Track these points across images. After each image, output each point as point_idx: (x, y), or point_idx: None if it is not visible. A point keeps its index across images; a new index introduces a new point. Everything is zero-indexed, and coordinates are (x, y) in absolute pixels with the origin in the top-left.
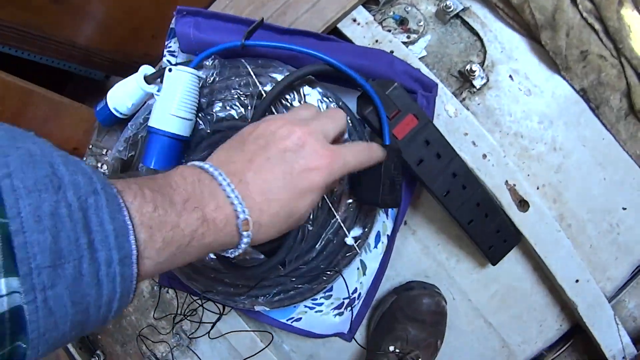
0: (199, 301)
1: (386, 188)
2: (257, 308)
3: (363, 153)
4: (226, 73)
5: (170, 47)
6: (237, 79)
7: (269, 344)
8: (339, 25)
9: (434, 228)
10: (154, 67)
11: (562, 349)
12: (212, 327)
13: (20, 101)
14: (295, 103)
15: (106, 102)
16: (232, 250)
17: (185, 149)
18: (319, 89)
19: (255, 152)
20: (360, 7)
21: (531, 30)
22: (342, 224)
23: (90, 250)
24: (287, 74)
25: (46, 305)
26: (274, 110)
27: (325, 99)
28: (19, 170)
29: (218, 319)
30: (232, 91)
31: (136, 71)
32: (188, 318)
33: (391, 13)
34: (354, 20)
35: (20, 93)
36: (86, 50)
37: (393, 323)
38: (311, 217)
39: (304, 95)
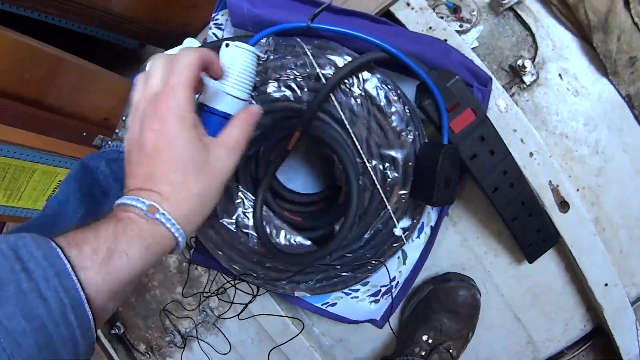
0: (232, 281)
1: (441, 188)
2: (297, 294)
3: (246, 130)
4: (281, 51)
5: (217, 19)
6: (292, 59)
7: (301, 331)
8: (392, 9)
9: (474, 221)
10: (191, 37)
11: (582, 349)
12: (244, 309)
13: (49, 69)
14: (354, 88)
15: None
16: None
17: None
18: (378, 75)
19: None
20: None
21: (584, 30)
22: (392, 215)
23: (25, 273)
24: (349, 60)
25: (0, 323)
26: (332, 97)
27: (384, 85)
28: None
29: (251, 301)
30: (288, 71)
31: (174, 41)
32: (218, 296)
33: (444, 0)
34: (408, 4)
35: (49, 60)
36: (120, 18)
37: (429, 313)
38: (364, 205)
39: (364, 81)
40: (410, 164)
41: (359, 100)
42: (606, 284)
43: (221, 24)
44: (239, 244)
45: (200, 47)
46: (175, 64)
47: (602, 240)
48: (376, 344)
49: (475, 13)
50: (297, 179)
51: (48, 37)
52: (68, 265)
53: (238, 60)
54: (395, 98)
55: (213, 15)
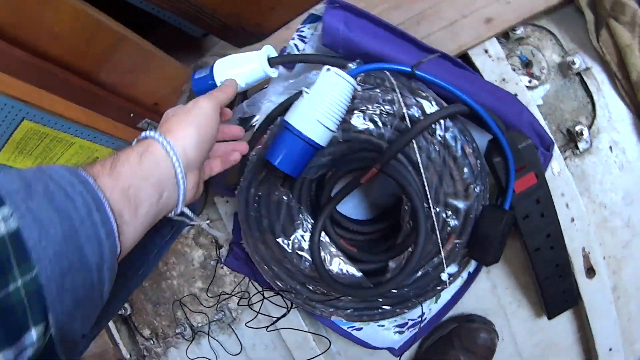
0: (262, 293)
1: (496, 250)
2: (333, 318)
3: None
4: (370, 82)
5: (302, 31)
6: (381, 93)
7: (326, 350)
8: (470, 53)
9: (507, 272)
10: (260, 39)
11: None
12: (275, 322)
13: (109, 44)
14: (435, 135)
15: (211, 74)
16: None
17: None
18: (459, 125)
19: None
20: (494, 40)
21: (639, 105)
22: (444, 261)
23: (51, 180)
24: (436, 109)
25: (30, 211)
26: (413, 142)
27: (462, 137)
28: None
29: (284, 315)
30: (375, 105)
31: (241, 39)
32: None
33: (519, 52)
34: (486, 52)
35: (112, 36)
36: (198, 8)
37: (447, 349)
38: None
39: (445, 129)
40: (471, 216)
41: (437, 147)
42: (610, 349)
43: (305, 37)
44: (289, 264)
45: (281, 57)
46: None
47: (615, 307)
48: None
49: (545, 71)
50: (349, 202)
51: (110, 7)
52: (90, 178)
53: (335, 89)
54: (470, 151)
55: (299, 26)
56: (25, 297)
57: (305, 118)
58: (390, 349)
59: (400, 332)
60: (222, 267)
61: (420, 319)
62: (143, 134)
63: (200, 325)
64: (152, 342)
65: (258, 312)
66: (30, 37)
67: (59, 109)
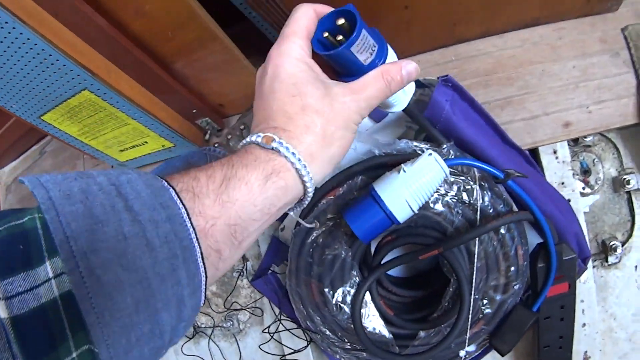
0: (286, 324)
1: (513, 344)
2: None
3: (381, 93)
4: (458, 168)
5: None
6: (463, 181)
7: None
8: (540, 149)
9: (510, 356)
10: None
11: None
12: (292, 353)
13: (198, 38)
14: (502, 230)
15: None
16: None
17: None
18: (519, 228)
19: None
20: (565, 143)
21: None
22: (467, 341)
23: (129, 213)
24: (508, 212)
25: (92, 273)
26: (477, 240)
27: (518, 238)
28: (52, 179)
29: (302, 349)
30: (455, 191)
31: None
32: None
33: (582, 158)
34: (555, 152)
35: (203, 31)
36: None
37: None
38: (455, 332)
39: (508, 229)
40: (504, 308)
41: (495, 244)
42: None
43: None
44: (327, 312)
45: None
46: (290, 18)
47: None
48: None
49: (599, 182)
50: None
51: None
52: (183, 210)
53: (431, 175)
54: (522, 253)
55: None
56: None
57: (395, 195)
58: None
59: None
60: (242, 280)
61: None
62: (273, 144)
63: (203, 326)
64: None
65: (272, 336)
66: (117, 7)
67: (124, 88)
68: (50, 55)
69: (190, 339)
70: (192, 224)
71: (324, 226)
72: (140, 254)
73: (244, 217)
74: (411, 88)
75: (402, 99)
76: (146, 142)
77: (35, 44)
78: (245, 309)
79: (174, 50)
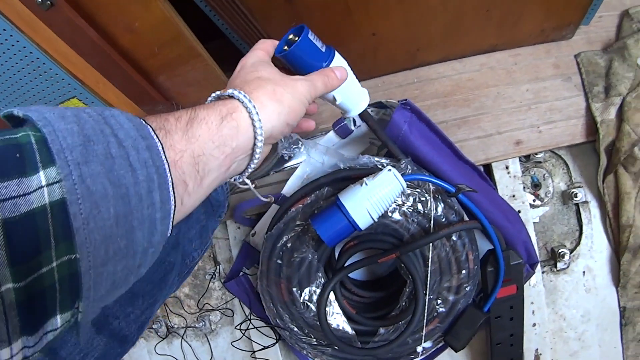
0: (255, 323)
1: (466, 341)
2: (315, 359)
3: (325, 87)
4: (415, 182)
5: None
6: (418, 193)
7: None
8: (494, 165)
9: (467, 355)
10: None
11: None
12: (263, 349)
13: (181, 55)
14: (453, 237)
15: None
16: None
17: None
18: (470, 236)
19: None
20: (517, 159)
21: (619, 246)
22: (423, 337)
23: (115, 138)
24: (459, 221)
25: (83, 181)
26: (431, 245)
27: (469, 244)
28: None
29: (270, 346)
30: (410, 202)
31: None
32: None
33: (532, 173)
34: (507, 168)
35: (187, 49)
36: (255, 27)
37: None
38: (410, 328)
39: (459, 236)
40: (457, 308)
41: (447, 249)
42: None
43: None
44: (294, 310)
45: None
46: (254, 45)
47: None
48: None
49: (549, 195)
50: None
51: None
52: (158, 143)
53: (389, 186)
54: (472, 258)
55: (371, 104)
56: (58, 282)
57: (358, 205)
58: None
59: None
60: (213, 283)
61: None
62: (229, 90)
63: (176, 327)
64: None
65: (243, 334)
66: (109, 22)
67: (110, 98)
68: (44, 63)
69: (164, 339)
70: (165, 154)
71: (292, 232)
72: (124, 173)
73: (205, 152)
74: (363, 96)
75: (354, 105)
76: None
77: (31, 52)
78: (217, 310)
79: (159, 64)
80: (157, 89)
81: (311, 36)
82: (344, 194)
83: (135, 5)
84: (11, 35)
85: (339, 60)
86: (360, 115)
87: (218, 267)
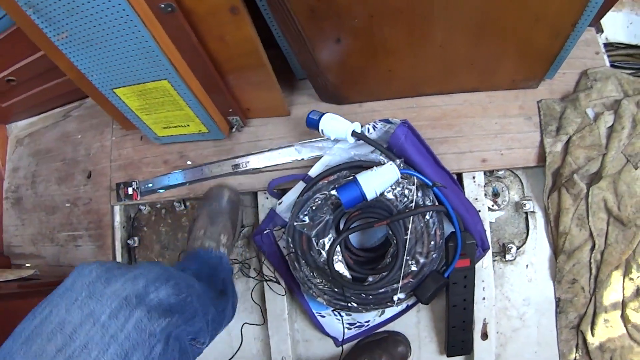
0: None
1: (431, 297)
2: (318, 299)
3: None
4: (404, 176)
5: (376, 123)
6: (406, 183)
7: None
8: (464, 174)
9: (430, 315)
10: (339, 103)
11: None
12: (278, 282)
13: (251, 64)
14: (427, 216)
15: (319, 119)
16: None
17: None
18: (437, 216)
19: None
20: (482, 172)
21: (557, 249)
22: (399, 289)
23: None
24: (432, 205)
25: None
26: (410, 220)
27: (438, 223)
28: None
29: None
30: (400, 188)
31: (324, 97)
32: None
33: (494, 185)
34: (473, 178)
35: (257, 60)
36: (317, 66)
37: (375, 348)
38: (390, 275)
39: (430, 215)
40: (425, 269)
41: (422, 224)
42: None
43: (376, 127)
44: (309, 256)
45: (360, 134)
46: None
47: None
48: (326, 356)
49: (505, 203)
50: (356, 236)
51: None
52: None
53: (390, 174)
54: (439, 233)
55: (376, 120)
56: None
57: (368, 183)
58: (335, 339)
59: (349, 328)
60: (236, 240)
61: (365, 323)
62: None
63: None
64: None
65: (262, 279)
66: (207, 31)
67: (191, 84)
68: (153, 50)
69: None
70: None
71: (317, 199)
72: None
73: None
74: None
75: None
76: (188, 125)
77: (146, 41)
78: (236, 263)
79: (232, 67)
80: (225, 84)
81: (311, 115)
82: (359, 175)
83: (230, 24)
84: (135, 25)
85: (325, 118)
86: (355, 135)
87: (242, 229)
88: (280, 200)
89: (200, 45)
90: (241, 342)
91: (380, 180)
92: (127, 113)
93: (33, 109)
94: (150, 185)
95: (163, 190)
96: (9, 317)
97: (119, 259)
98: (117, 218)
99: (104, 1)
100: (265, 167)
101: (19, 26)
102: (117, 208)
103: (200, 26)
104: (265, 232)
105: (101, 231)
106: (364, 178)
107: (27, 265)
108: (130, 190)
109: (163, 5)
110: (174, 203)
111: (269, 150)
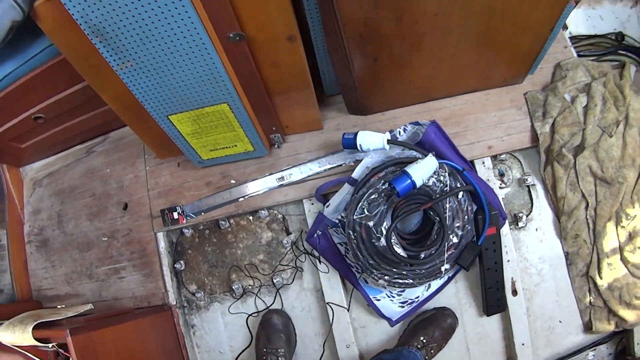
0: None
1: (471, 263)
2: (379, 281)
3: None
4: (443, 168)
5: (407, 126)
6: (441, 171)
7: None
8: (475, 161)
9: (466, 284)
10: (364, 114)
11: None
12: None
13: (296, 85)
14: (457, 198)
15: (355, 138)
16: None
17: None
18: (467, 196)
19: None
20: (489, 157)
21: (558, 211)
22: (445, 260)
23: None
24: (459, 186)
25: None
26: (448, 198)
27: (468, 201)
28: None
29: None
30: (437, 175)
31: (354, 109)
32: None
33: (499, 167)
34: (483, 163)
35: (304, 82)
36: (354, 82)
37: (428, 325)
38: (441, 248)
39: (463, 195)
40: (463, 240)
41: (455, 203)
42: (523, 344)
43: (407, 129)
44: (369, 242)
45: (395, 140)
46: None
47: (527, 319)
48: (383, 338)
49: (509, 181)
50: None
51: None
52: None
53: (430, 165)
54: (470, 208)
55: (407, 123)
56: None
57: (416, 173)
58: (389, 319)
59: (402, 306)
60: (284, 248)
61: (415, 299)
62: None
63: (250, 287)
64: (197, 295)
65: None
66: (261, 57)
67: (247, 106)
68: (220, 76)
69: (238, 299)
70: None
71: (371, 194)
72: None
73: None
74: (380, 139)
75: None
76: (235, 145)
77: (213, 62)
78: (289, 268)
79: (281, 88)
80: (272, 103)
81: (346, 135)
82: (407, 167)
83: (286, 51)
84: (208, 52)
85: (361, 136)
86: (390, 142)
87: (290, 235)
88: (327, 203)
89: (256, 70)
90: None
91: (424, 170)
92: (177, 139)
93: (51, 148)
94: (196, 206)
95: (211, 210)
96: (94, 345)
97: (168, 283)
98: (162, 244)
99: (181, 30)
100: (307, 176)
101: (64, 57)
102: (160, 235)
103: (259, 52)
104: (319, 232)
105: (146, 259)
106: (412, 169)
107: (62, 306)
108: (175, 215)
109: (232, 35)
110: (220, 222)
111: (309, 162)
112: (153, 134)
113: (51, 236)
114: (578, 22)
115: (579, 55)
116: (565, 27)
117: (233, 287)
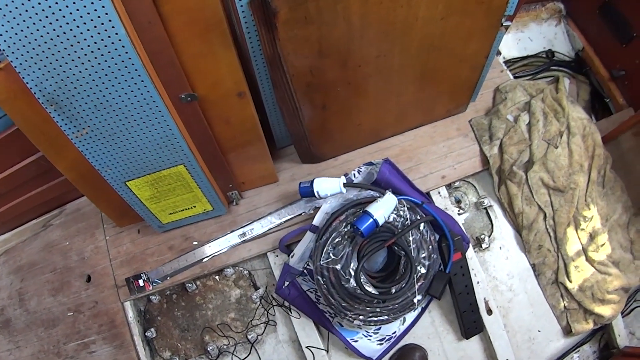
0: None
1: (441, 292)
2: (355, 322)
3: None
4: (402, 204)
5: (361, 167)
6: (400, 206)
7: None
8: (431, 192)
9: (440, 312)
10: (317, 162)
11: None
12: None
13: (251, 140)
14: (419, 229)
15: (312, 185)
16: None
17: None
18: (427, 227)
19: None
20: (444, 187)
21: (518, 227)
22: (416, 291)
23: None
24: (419, 218)
25: None
26: (411, 231)
27: (430, 232)
28: None
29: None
30: (395, 211)
31: (306, 158)
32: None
33: (454, 194)
34: (439, 193)
35: (257, 138)
36: (304, 132)
37: None
38: (410, 280)
39: (424, 227)
40: (431, 270)
41: (418, 235)
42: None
43: (361, 171)
44: (338, 285)
45: (352, 183)
46: None
47: (506, 335)
48: None
49: (467, 206)
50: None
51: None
52: None
53: (390, 203)
54: (433, 238)
55: (361, 165)
56: None
57: (378, 211)
58: (369, 359)
59: (380, 344)
60: (254, 303)
61: (392, 335)
62: None
63: (225, 346)
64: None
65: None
66: (214, 117)
67: (202, 166)
68: (175, 138)
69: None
70: None
71: (334, 239)
72: None
73: None
74: (336, 185)
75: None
76: (194, 206)
77: (168, 125)
78: (262, 323)
79: (235, 145)
80: (227, 161)
81: (302, 184)
82: (368, 207)
83: (237, 107)
84: (162, 115)
85: (317, 183)
86: (347, 185)
87: (258, 290)
88: (292, 253)
89: (210, 130)
90: None
91: (384, 208)
92: (136, 205)
93: (6, 225)
94: (161, 272)
95: (176, 274)
96: None
97: (141, 353)
98: (130, 313)
99: (135, 95)
100: (269, 229)
101: (18, 128)
102: (127, 304)
103: (210, 111)
104: (287, 283)
105: (116, 330)
106: (372, 208)
107: None
108: (141, 282)
109: (184, 96)
110: (186, 285)
111: (269, 214)
112: (111, 202)
113: (13, 316)
114: (510, 46)
115: (515, 77)
116: (499, 53)
117: (208, 349)
